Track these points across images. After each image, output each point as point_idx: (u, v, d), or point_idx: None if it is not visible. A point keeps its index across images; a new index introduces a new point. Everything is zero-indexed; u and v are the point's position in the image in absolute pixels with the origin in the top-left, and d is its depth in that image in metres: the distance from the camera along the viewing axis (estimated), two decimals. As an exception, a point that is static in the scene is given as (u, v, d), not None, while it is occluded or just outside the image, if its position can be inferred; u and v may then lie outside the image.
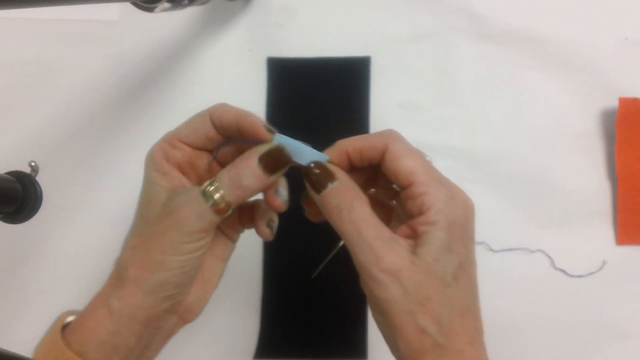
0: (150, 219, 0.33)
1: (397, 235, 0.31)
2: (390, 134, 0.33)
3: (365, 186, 0.35)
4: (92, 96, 0.57)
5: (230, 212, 0.32)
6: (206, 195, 0.31)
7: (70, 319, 0.34)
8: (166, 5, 0.43)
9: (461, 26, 0.56)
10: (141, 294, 0.32)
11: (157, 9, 0.43)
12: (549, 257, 0.53)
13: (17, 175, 0.55)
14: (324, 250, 0.53)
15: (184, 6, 0.47)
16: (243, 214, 0.37)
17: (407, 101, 0.56)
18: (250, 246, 0.55)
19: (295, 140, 0.33)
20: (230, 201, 0.31)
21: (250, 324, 0.53)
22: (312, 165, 0.33)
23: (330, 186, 0.32)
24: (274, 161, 0.32)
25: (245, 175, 0.31)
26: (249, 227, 0.37)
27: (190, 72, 0.57)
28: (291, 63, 0.57)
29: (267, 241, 0.36)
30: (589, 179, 0.54)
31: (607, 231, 0.53)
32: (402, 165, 0.31)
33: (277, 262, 0.54)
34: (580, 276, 0.52)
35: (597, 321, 0.52)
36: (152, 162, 0.34)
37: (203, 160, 0.35)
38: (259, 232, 0.35)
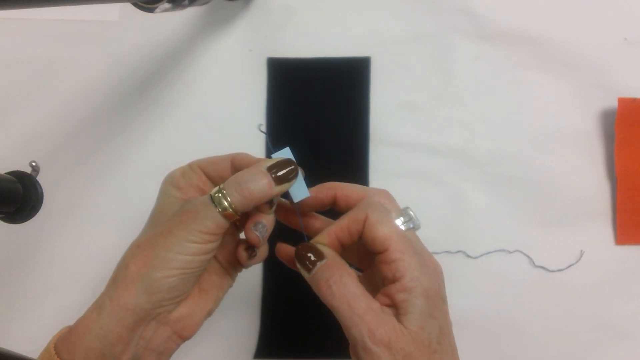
0: (161, 222, 0.34)
1: (384, 307, 0.32)
2: (369, 204, 0.35)
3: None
4: (92, 96, 0.57)
5: (237, 217, 0.33)
6: (214, 200, 0.32)
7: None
8: (166, 5, 0.43)
9: (461, 26, 0.56)
10: (135, 293, 0.32)
11: (157, 10, 0.43)
12: (546, 257, 0.53)
13: (18, 175, 0.55)
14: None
15: (184, 6, 0.47)
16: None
17: (406, 101, 0.56)
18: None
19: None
20: (236, 207, 0.33)
21: (250, 324, 0.53)
22: (300, 247, 0.35)
23: (320, 264, 0.34)
24: (282, 173, 0.34)
25: (252, 181, 0.33)
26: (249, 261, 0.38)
27: (190, 73, 0.57)
28: (291, 63, 0.57)
29: (255, 245, 0.36)
30: (589, 179, 0.54)
31: (606, 231, 0.53)
32: (379, 232, 0.33)
33: (277, 262, 0.54)
34: (560, 270, 0.52)
35: (597, 321, 0.52)
36: (170, 179, 0.37)
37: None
38: (247, 237, 0.36)
